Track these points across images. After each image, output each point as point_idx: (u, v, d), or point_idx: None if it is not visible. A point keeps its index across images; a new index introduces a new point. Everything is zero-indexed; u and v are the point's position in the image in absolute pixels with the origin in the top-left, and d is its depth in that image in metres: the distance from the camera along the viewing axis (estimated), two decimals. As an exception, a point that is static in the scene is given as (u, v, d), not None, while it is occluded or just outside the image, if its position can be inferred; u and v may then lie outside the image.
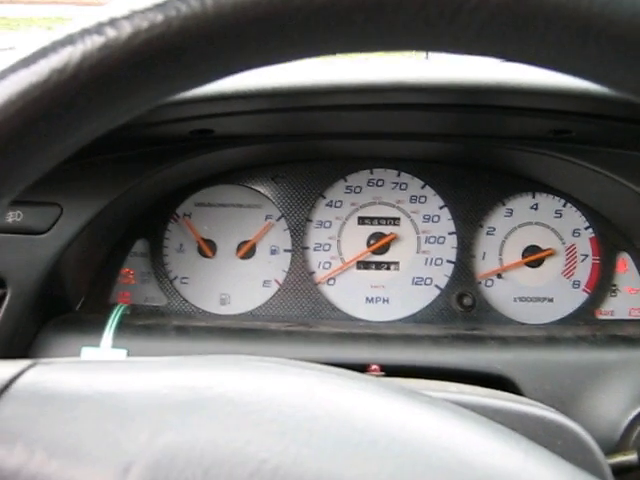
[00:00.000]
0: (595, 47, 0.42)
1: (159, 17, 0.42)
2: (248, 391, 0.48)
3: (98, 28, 0.42)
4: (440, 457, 0.45)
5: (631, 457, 1.03)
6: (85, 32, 0.42)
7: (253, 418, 0.46)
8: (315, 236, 1.62)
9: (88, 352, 1.27)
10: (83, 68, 0.42)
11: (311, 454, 0.44)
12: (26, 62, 0.43)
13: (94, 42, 0.42)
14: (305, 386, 0.50)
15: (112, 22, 0.42)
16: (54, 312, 1.39)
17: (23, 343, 1.32)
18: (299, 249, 1.61)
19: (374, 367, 1.21)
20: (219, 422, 0.46)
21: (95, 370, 0.52)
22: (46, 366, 0.52)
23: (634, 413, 1.18)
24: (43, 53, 0.43)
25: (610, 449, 1.16)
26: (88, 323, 1.35)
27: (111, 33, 0.42)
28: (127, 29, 0.42)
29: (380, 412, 0.48)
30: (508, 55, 0.45)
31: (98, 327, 1.32)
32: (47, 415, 0.47)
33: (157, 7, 0.42)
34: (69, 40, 0.43)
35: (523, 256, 1.60)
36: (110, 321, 1.33)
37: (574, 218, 1.60)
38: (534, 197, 1.60)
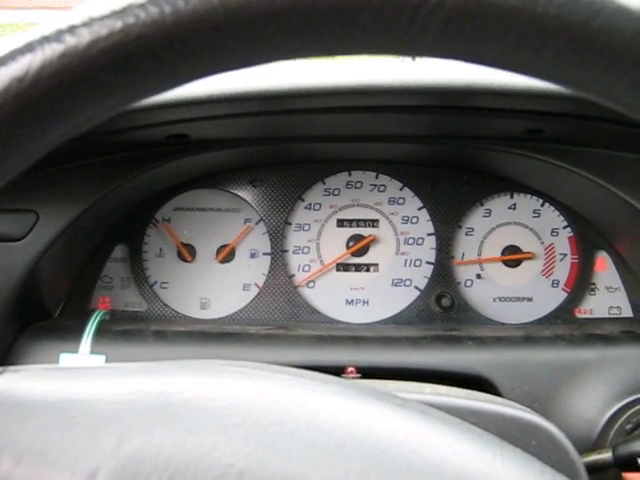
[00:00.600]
0: (552, 49, 0.42)
1: (118, 24, 0.42)
2: (215, 396, 0.48)
3: (57, 36, 0.42)
4: (407, 460, 0.45)
5: (605, 455, 1.03)
6: (44, 40, 0.42)
7: (219, 423, 0.46)
8: (294, 239, 1.62)
9: (66, 358, 1.27)
10: (42, 76, 0.42)
11: (277, 458, 0.44)
12: (-14, 71, 0.43)
13: (53, 50, 0.42)
14: (273, 390, 0.50)
15: (71, 30, 0.42)
16: (32, 319, 1.38)
17: (1, 350, 1.31)
18: (278, 252, 1.61)
19: (350, 369, 1.21)
20: (186, 427, 0.46)
21: (63, 377, 0.52)
22: (14, 374, 0.52)
23: (611, 411, 1.19)
24: (2, 61, 0.43)
25: (588, 448, 1.16)
26: (66, 329, 1.35)
27: (70, 41, 0.42)
28: (86, 37, 0.42)
29: (347, 415, 0.48)
30: (468, 58, 0.45)
31: (76, 333, 1.31)
32: (14, 422, 0.47)
33: (115, 14, 0.42)
34: (28, 48, 0.43)
35: (502, 255, 1.60)
36: (88, 327, 1.32)
37: (552, 218, 1.61)
38: (512, 197, 1.61)
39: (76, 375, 0.53)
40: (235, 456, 0.44)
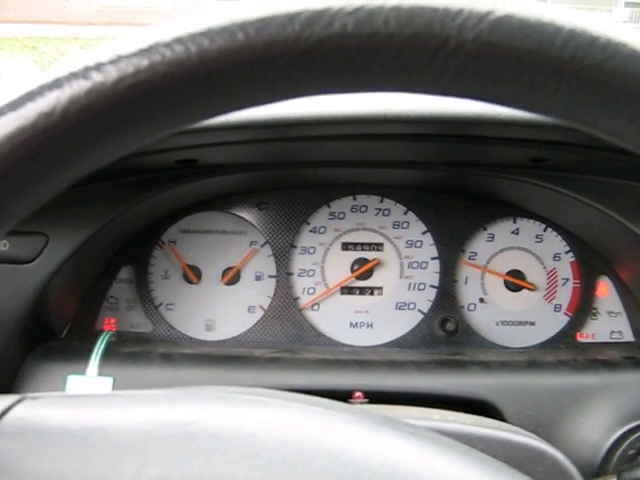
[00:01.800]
0: (567, 91, 0.43)
1: (144, 62, 0.43)
2: (232, 425, 0.49)
3: (85, 72, 0.43)
4: (421, 489, 0.46)
5: (611, 482, 1.03)
6: (72, 76, 0.43)
7: (238, 452, 0.47)
8: (299, 262, 1.63)
9: (74, 380, 1.28)
10: (70, 112, 0.43)
11: (295, 487, 0.44)
12: (14, 106, 0.44)
13: (81, 86, 0.43)
14: (289, 419, 0.51)
15: (98, 67, 0.43)
16: (40, 340, 1.39)
17: (9, 371, 1.31)
18: (283, 275, 1.61)
19: (358, 394, 1.22)
20: (204, 457, 0.46)
21: (81, 405, 0.53)
22: (33, 401, 0.53)
23: (614, 437, 1.19)
24: (30, 97, 0.44)
25: (591, 473, 1.17)
26: (74, 351, 1.35)
27: (97, 78, 0.43)
28: (113, 74, 0.43)
29: (363, 444, 0.49)
30: (485, 98, 0.46)
31: (84, 355, 1.32)
32: (34, 451, 0.47)
33: (142, 52, 0.43)
34: (56, 84, 0.44)
35: (505, 281, 1.61)
36: (96, 349, 1.33)
37: (555, 242, 1.62)
38: (515, 222, 1.62)
39: (94, 403, 0.54)
40: (254, 485, 0.44)
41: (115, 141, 0.46)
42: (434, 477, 0.47)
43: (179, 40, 0.43)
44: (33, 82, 0.45)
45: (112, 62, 0.43)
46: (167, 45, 0.43)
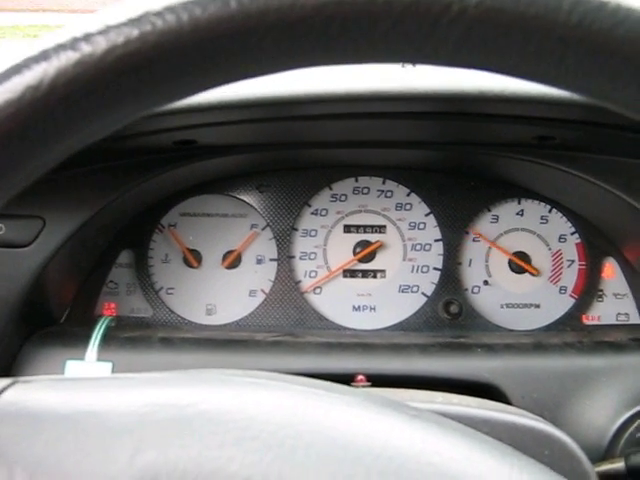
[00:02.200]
0: (574, 58, 0.41)
1: (134, 32, 0.41)
2: (230, 408, 0.48)
3: (72, 44, 0.42)
4: (424, 472, 0.44)
5: (618, 465, 1.02)
6: (59, 48, 0.42)
7: (235, 436, 0.45)
8: (301, 245, 1.61)
9: (73, 365, 1.27)
10: (57, 85, 0.41)
11: (294, 471, 0.43)
12: (0, 79, 0.42)
13: (68, 58, 0.42)
14: (288, 402, 0.50)
15: (87, 37, 0.42)
16: (38, 325, 1.38)
17: (7, 357, 1.30)
18: (285, 258, 1.60)
19: (360, 377, 1.21)
20: (201, 440, 0.45)
21: (74, 388, 0.52)
22: (25, 384, 0.52)
23: (621, 420, 1.18)
24: (17, 70, 0.42)
25: (598, 456, 1.16)
26: (73, 336, 1.34)
27: (86, 49, 0.41)
28: (102, 45, 0.41)
29: (364, 427, 0.48)
30: (489, 67, 0.44)
31: (83, 340, 1.31)
32: (27, 435, 0.46)
33: (132, 22, 0.42)
34: (43, 56, 0.42)
35: (510, 263, 1.60)
36: (95, 334, 1.32)
37: (560, 224, 1.60)
38: (519, 203, 1.61)
39: (88, 386, 0.52)
40: (252, 469, 0.43)
41: (105, 115, 0.45)
42: (437, 460, 0.46)
43: (170, 8, 0.41)
44: (20, 55, 0.43)
45: (101, 32, 0.42)
46: (158, 14, 0.42)
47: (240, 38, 0.42)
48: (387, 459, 0.45)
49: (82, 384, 0.53)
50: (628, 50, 0.41)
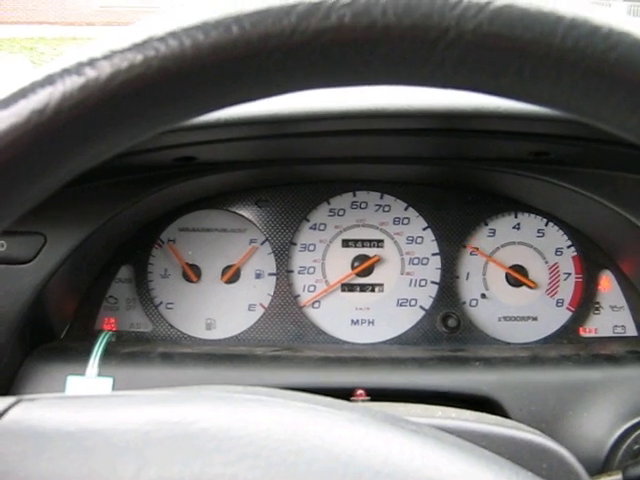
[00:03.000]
0: (568, 81, 0.42)
1: (138, 57, 0.42)
2: (232, 425, 0.48)
3: (77, 68, 0.43)
4: (425, 488, 0.45)
5: (616, 477, 1.03)
6: (65, 72, 0.43)
7: (238, 452, 0.46)
8: (299, 259, 1.62)
9: (74, 381, 1.27)
10: (63, 109, 0.42)
11: (296, 488, 0.44)
12: (6, 103, 0.43)
13: (74, 82, 0.42)
14: (289, 418, 0.50)
15: (91, 62, 0.43)
16: (39, 341, 1.38)
17: (8, 372, 1.31)
18: (284, 272, 1.61)
19: (360, 392, 1.21)
20: (204, 457, 0.46)
21: (79, 406, 0.52)
22: (30, 403, 0.52)
23: (619, 432, 1.19)
24: (22, 94, 0.43)
25: (596, 469, 1.16)
26: (73, 351, 1.35)
27: (91, 73, 0.42)
28: (106, 70, 0.42)
29: (365, 443, 0.48)
30: (485, 89, 0.45)
31: (83, 355, 1.31)
32: (32, 453, 0.47)
33: (136, 47, 0.42)
34: (49, 81, 0.43)
35: (507, 276, 1.60)
36: (95, 349, 1.32)
37: (556, 237, 1.61)
38: (516, 217, 1.61)
39: (92, 404, 0.53)
40: (254, 486, 0.44)
41: (109, 138, 0.45)
42: (437, 475, 0.46)
43: (173, 34, 0.42)
44: (25, 79, 0.44)
45: (105, 57, 0.43)
46: (161, 39, 0.42)
47: (242, 63, 0.43)
48: (387, 475, 0.45)
49: (86, 402, 0.54)
50: (620, 73, 0.42)
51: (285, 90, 0.46)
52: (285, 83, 0.45)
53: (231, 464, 0.45)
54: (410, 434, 0.51)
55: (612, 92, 0.43)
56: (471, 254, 1.61)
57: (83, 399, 0.55)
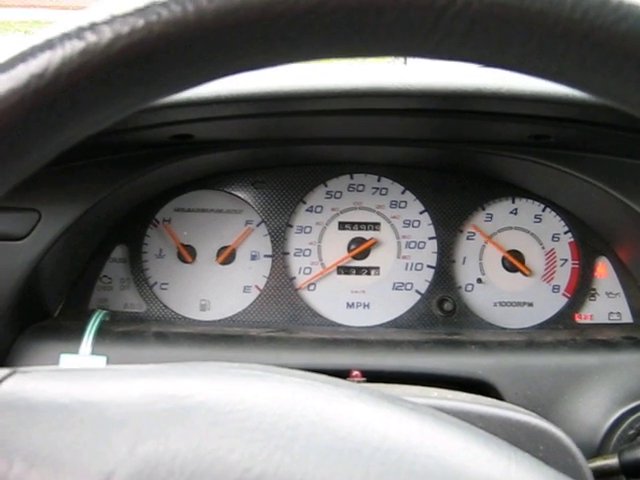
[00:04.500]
0: (576, 53, 0.42)
1: (140, 22, 0.41)
2: (230, 399, 0.48)
3: (78, 33, 0.42)
4: (423, 464, 0.44)
5: (612, 461, 1.02)
6: (65, 37, 0.42)
7: (235, 426, 0.45)
8: (295, 241, 1.61)
9: (67, 359, 1.26)
10: (62, 73, 0.41)
11: (294, 462, 0.43)
12: (5, 67, 0.42)
13: (74, 47, 0.41)
14: (288, 393, 0.50)
15: (92, 27, 0.42)
16: (32, 319, 1.37)
17: (1, 350, 1.30)
18: (279, 254, 1.60)
19: (355, 373, 1.21)
20: (201, 431, 0.45)
21: (74, 379, 0.52)
22: (25, 375, 0.51)
23: (614, 417, 1.19)
24: (22, 58, 0.42)
25: (591, 453, 1.16)
26: (67, 330, 1.34)
27: (91, 38, 0.41)
28: (107, 34, 0.41)
29: (363, 419, 0.48)
30: (491, 61, 0.45)
31: (77, 334, 1.31)
32: (26, 425, 0.46)
33: (138, 12, 0.41)
34: (48, 45, 0.42)
35: (503, 261, 1.60)
36: (89, 327, 1.32)
37: (553, 223, 1.61)
38: (514, 202, 1.61)
39: (87, 377, 0.52)
40: (252, 460, 0.43)
41: (109, 105, 0.45)
42: (435, 452, 0.46)
43: None
44: (25, 43, 0.43)
45: (106, 22, 0.42)
46: (163, 4, 0.41)
47: (245, 29, 0.42)
48: (386, 451, 0.45)
49: (81, 375, 0.53)
50: (630, 46, 0.41)
51: (289, 60, 0.45)
52: (289, 52, 0.44)
53: (229, 438, 0.45)
54: (408, 411, 0.51)
55: (621, 66, 0.42)
56: (468, 239, 1.61)
57: (78, 372, 0.54)
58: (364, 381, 1.19)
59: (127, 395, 0.49)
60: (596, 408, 1.20)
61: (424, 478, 0.44)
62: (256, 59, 0.44)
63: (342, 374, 1.20)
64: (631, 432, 1.16)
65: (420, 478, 0.43)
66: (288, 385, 0.51)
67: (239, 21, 0.41)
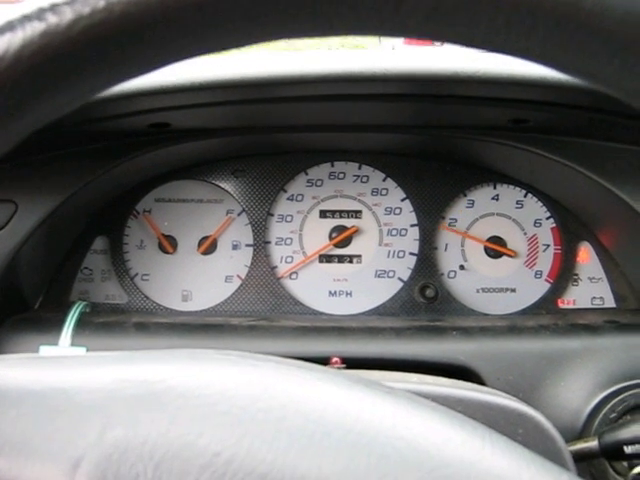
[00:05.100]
0: (543, 29, 0.41)
1: (100, 2, 0.41)
2: (199, 384, 0.47)
3: (38, 14, 0.41)
4: (395, 447, 0.44)
5: (592, 444, 1.03)
6: (25, 18, 0.41)
7: (205, 411, 0.45)
8: (277, 230, 1.61)
9: (46, 351, 1.26)
10: (23, 55, 0.41)
11: (265, 446, 0.43)
12: (-36, 49, 0.42)
13: (34, 29, 0.41)
14: (259, 377, 0.49)
15: (53, 8, 0.41)
16: (11, 311, 1.36)
17: (-20, 343, 1.30)
18: (261, 244, 1.60)
19: (335, 360, 1.20)
20: (170, 415, 0.45)
21: (44, 366, 0.51)
22: (-5, 362, 0.51)
23: (596, 401, 1.19)
24: (-19, 40, 0.41)
25: (573, 437, 1.16)
26: (46, 321, 1.33)
27: (52, 19, 0.41)
28: (68, 15, 0.41)
29: (335, 402, 0.47)
30: (458, 39, 0.44)
31: (56, 325, 1.30)
32: (-5, 412, 0.46)
33: (98, -8, 0.41)
34: (8, 27, 0.41)
35: (486, 247, 1.60)
36: (68, 319, 1.31)
37: (535, 208, 1.60)
38: (495, 188, 1.61)
39: (57, 364, 0.52)
40: (222, 444, 0.43)
41: (71, 88, 0.44)
42: (409, 434, 0.45)
43: None
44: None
45: (67, 3, 0.41)
46: None
47: (208, 10, 0.41)
48: (358, 433, 0.44)
49: (51, 362, 0.52)
50: (594, 21, 0.40)
51: (253, 40, 0.44)
52: (253, 32, 0.43)
53: (198, 422, 0.44)
54: (383, 394, 0.50)
55: (587, 40, 0.42)
56: (450, 225, 1.60)
57: (49, 359, 0.54)
58: (344, 368, 1.19)
59: (98, 381, 0.48)
60: (578, 392, 1.21)
61: (396, 460, 0.43)
62: (220, 41, 0.44)
63: (322, 362, 1.20)
64: (612, 415, 1.16)
65: (392, 461, 0.43)
66: (260, 369, 0.51)
67: (201, 1, 0.41)
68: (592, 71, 0.44)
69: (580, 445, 1.03)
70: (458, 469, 0.43)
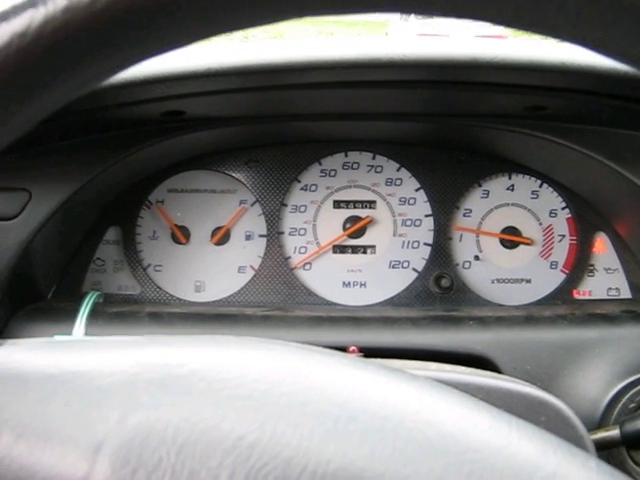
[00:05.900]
0: (574, 5, 0.40)
1: (123, -22, 0.40)
2: (222, 367, 0.47)
3: None
4: (422, 431, 0.43)
5: (613, 432, 1.02)
6: None
7: (228, 394, 0.44)
8: (290, 221, 1.60)
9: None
10: (45, 32, 0.40)
11: (289, 430, 0.42)
12: (-14, 26, 0.41)
13: (56, 5, 0.40)
14: (282, 361, 0.49)
15: None
16: (25, 301, 1.36)
17: (-6, 332, 1.29)
18: (274, 234, 1.59)
19: (352, 349, 1.20)
20: (192, 399, 0.44)
21: (63, 349, 0.50)
22: (13, 346, 0.50)
23: (614, 391, 1.18)
24: (4, 16, 0.41)
25: (592, 427, 1.15)
26: (60, 311, 1.33)
27: None
28: None
29: (360, 387, 0.47)
30: (485, 17, 0.43)
31: (70, 315, 1.30)
32: (14, 395, 0.45)
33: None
34: (30, 3, 0.41)
35: (500, 238, 1.59)
36: (82, 309, 1.31)
37: (550, 198, 1.59)
38: (510, 178, 1.60)
39: (77, 347, 0.51)
40: (245, 428, 0.42)
41: (92, 66, 0.43)
42: (435, 419, 0.45)
43: None
44: (7, 1, 0.42)
45: None
46: None
47: None
48: (384, 418, 0.44)
49: (71, 345, 0.52)
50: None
51: (271, 19, 0.44)
52: (271, 11, 0.43)
53: (221, 406, 0.44)
54: (407, 380, 0.50)
55: (618, 17, 0.41)
56: (464, 215, 1.59)
57: (67, 343, 0.53)
58: (362, 356, 1.18)
59: (118, 364, 0.48)
60: (596, 382, 1.20)
61: (423, 444, 0.43)
62: (240, 19, 0.43)
63: (339, 351, 1.19)
64: (632, 405, 1.15)
65: (419, 445, 0.42)
66: (282, 354, 0.50)
67: None
68: (622, 49, 0.43)
69: (602, 434, 1.03)
70: (485, 454, 0.43)
